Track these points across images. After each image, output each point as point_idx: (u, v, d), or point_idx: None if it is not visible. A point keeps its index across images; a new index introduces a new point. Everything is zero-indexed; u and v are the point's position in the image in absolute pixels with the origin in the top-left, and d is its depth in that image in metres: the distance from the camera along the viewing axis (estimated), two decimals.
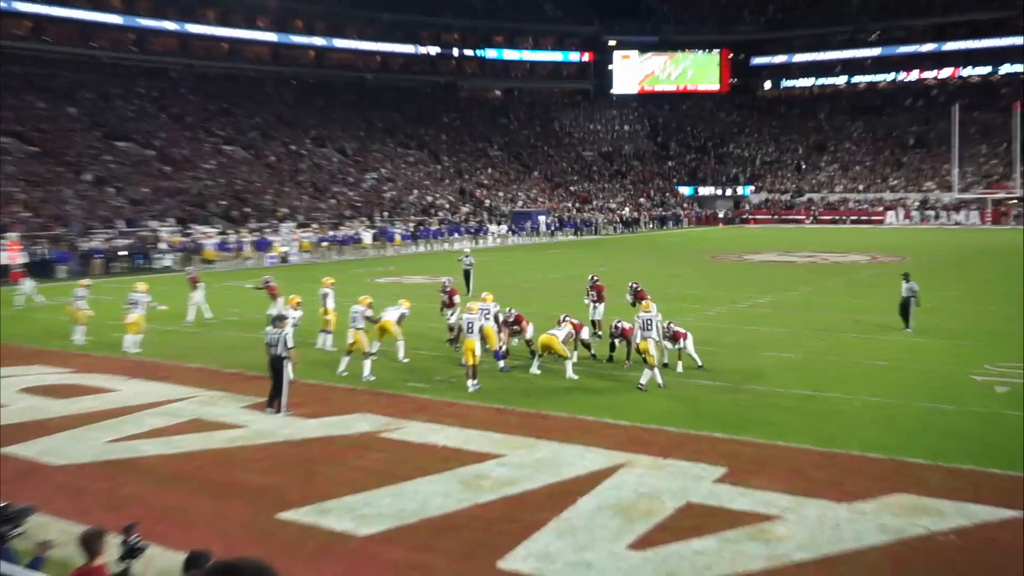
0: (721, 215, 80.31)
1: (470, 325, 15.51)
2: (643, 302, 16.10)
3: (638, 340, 17.33)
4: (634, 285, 19.71)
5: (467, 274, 29.81)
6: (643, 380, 15.21)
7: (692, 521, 9.46)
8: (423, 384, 16.12)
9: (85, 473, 11.28)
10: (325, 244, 46.49)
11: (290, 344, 14.13)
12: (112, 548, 6.31)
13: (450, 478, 10.88)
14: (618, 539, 9.05)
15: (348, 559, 8.76)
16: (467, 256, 30.53)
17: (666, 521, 9.50)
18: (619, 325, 17.33)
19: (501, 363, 16.94)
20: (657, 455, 11.65)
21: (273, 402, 14.05)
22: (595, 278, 21.07)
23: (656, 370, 15.34)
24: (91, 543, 6.26)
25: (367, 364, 16.49)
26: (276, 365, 14.15)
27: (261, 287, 22.11)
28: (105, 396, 15.49)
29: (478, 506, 9.98)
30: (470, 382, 15.39)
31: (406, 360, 17.92)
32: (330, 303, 19.62)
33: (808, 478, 10.72)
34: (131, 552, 6.13)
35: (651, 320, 15.57)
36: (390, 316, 18.03)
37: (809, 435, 12.51)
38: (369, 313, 16.88)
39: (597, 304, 20.55)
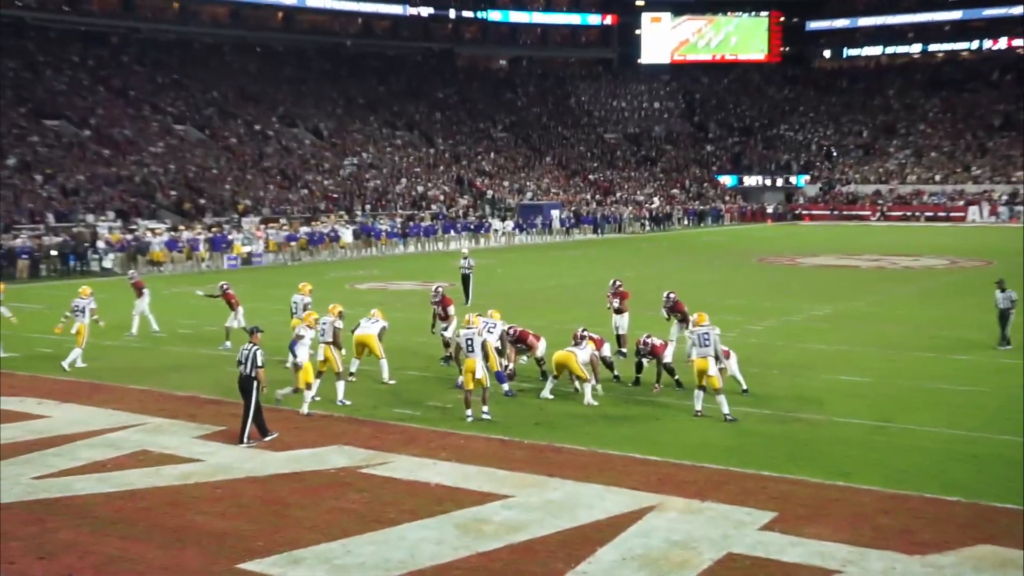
0: (770, 210, 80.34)
1: (469, 342, 15.50)
2: (697, 315, 16.17)
3: (669, 359, 17.38)
4: (671, 296, 19.63)
5: (466, 280, 29.82)
6: (724, 408, 15.22)
7: None
8: (412, 411, 16.15)
9: (8, 516, 11.32)
10: (295, 243, 46.63)
11: (260, 362, 14.24)
12: None
13: (445, 522, 10.90)
14: None
15: None
16: (466, 258, 30.53)
17: (703, 575, 9.48)
18: (648, 341, 17.36)
19: (505, 386, 16.99)
20: (693, 496, 11.67)
21: (243, 433, 14.18)
22: (618, 283, 21.13)
23: (723, 397, 15.35)
24: None
25: (341, 386, 16.56)
26: (246, 387, 14.26)
27: (217, 295, 22.21)
28: (31, 424, 15.55)
29: (478, 556, 9.99)
30: (469, 411, 15.42)
31: (392, 382, 17.98)
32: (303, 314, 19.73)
33: (874, 525, 10.72)
34: None
35: (708, 335, 15.55)
36: (370, 330, 18.09)
37: (875, 474, 12.51)
38: (340, 324, 16.94)
39: (620, 315, 20.57)
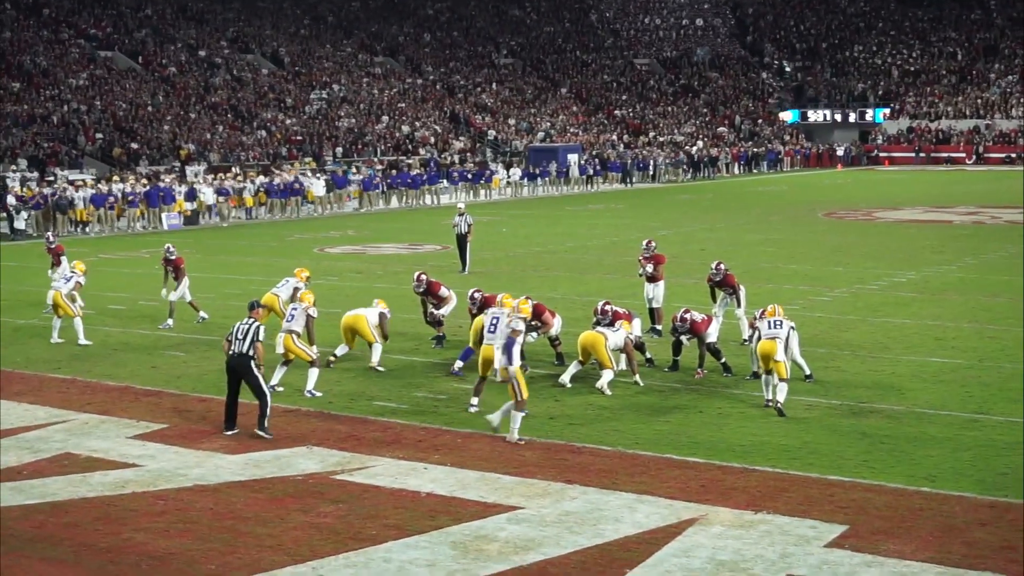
0: (841, 152, 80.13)
1: (494, 323, 15.55)
2: (769, 308, 16.25)
3: (714, 338, 17.43)
4: (721, 267, 19.51)
5: (461, 242, 29.76)
6: (780, 396, 15.35)
7: None
8: (396, 403, 16.20)
9: None
10: (250, 196, 46.57)
11: (261, 336, 14.77)
12: None
13: (438, 540, 10.94)
14: None
15: None
16: (462, 215, 30.45)
17: None
18: (687, 317, 17.40)
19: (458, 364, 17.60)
20: (744, 507, 11.69)
21: (262, 422, 14.50)
22: (652, 244, 21.22)
23: (785, 386, 15.45)
24: None
25: (313, 374, 16.62)
26: (240, 366, 14.56)
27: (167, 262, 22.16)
28: None
29: None
30: (476, 399, 15.58)
31: (380, 368, 18.10)
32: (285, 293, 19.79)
33: (968, 540, 10.75)
34: None
35: (780, 322, 15.84)
36: (360, 311, 18.43)
37: (969, 478, 12.52)
38: (314, 313, 17.02)
39: (654, 284, 20.58)
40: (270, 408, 14.70)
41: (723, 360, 17.42)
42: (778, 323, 15.88)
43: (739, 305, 19.41)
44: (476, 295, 18.44)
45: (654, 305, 20.67)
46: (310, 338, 16.85)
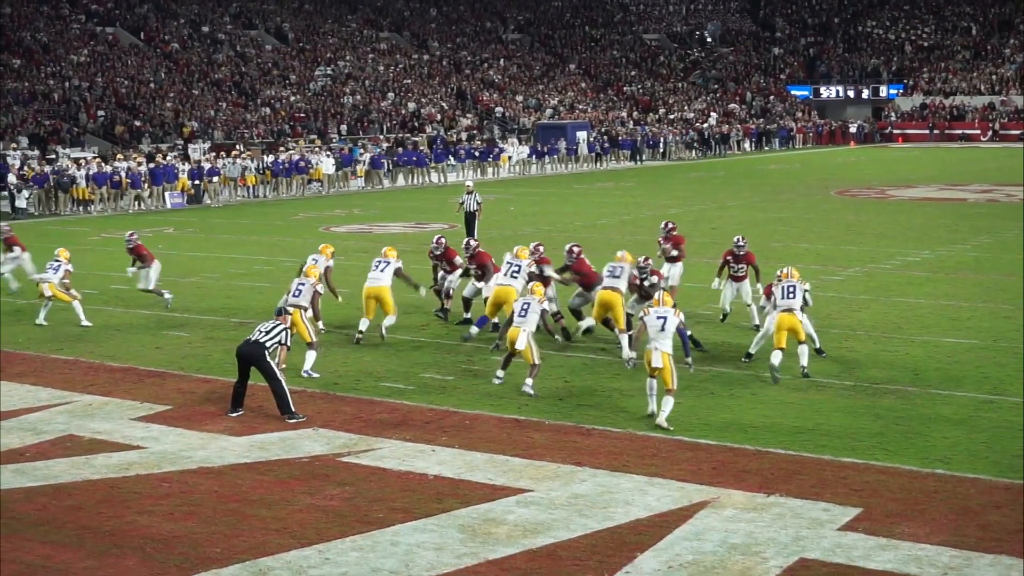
0: (853, 129, 79.86)
1: (524, 309, 15.97)
2: (785, 270, 16.53)
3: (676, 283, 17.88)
4: (742, 242, 19.38)
5: (469, 220, 29.83)
6: (804, 360, 16.02)
7: None
8: (404, 384, 16.22)
9: None
10: (252, 175, 46.45)
11: (288, 342, 14.95)
12: None
13: (447, 523, 10.96)
14: None
15: None
16: (470, 193, 30.47)
17: None
18: (650, 262, 17.99)
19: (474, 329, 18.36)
20: (756, 490, 11.71)
21: (287, 408, 14.51)
22: (671, 226, 21.20)
23: (806, 348, 16.07)
24: None
25: (311, 355, 16.65)
26: (252, 354, 14.59)
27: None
28: None
29: (488, 565, 10.07)
30: (501, 372, 15.91)
31: (385, 337, 18.54)
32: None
33: (983, 523, 10.75)
34: None
35: (794, 288, 16.19)
36: (382, 281, 18.59)
37: (985, 460, 12.52)
38: (321, 289, 17.25)
39: (673, 264, 20.58)
40: (288, 391, 14.64)
41: (750, 352, 17.45)
42: (792, 290, 16.07)
43: (754, 285, 19.32)
44: (472, 243, 19.89)
45: (672, 283, 20.64)
46: (315, 314, 16.94)
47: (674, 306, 14.77)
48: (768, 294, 16.74)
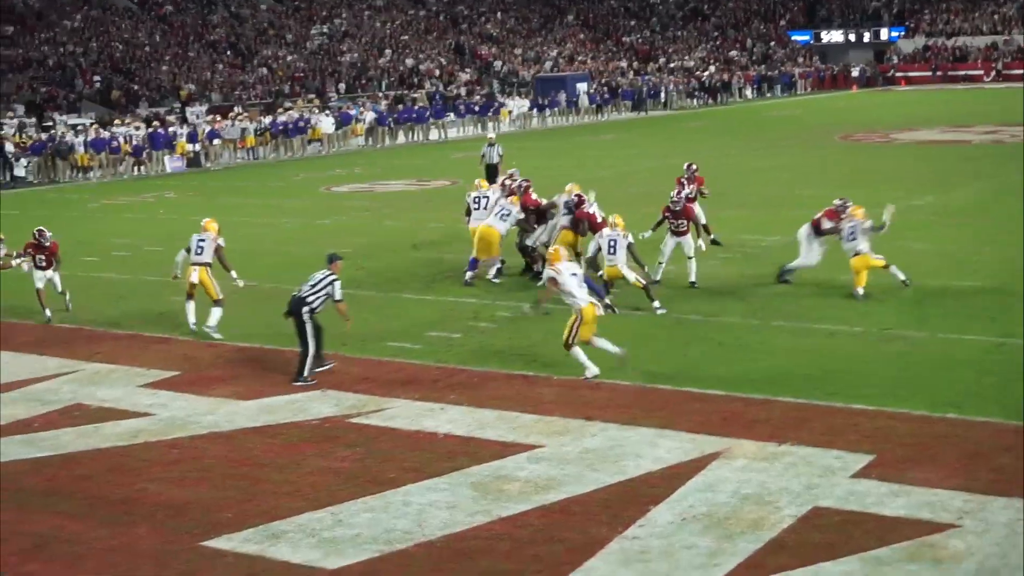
0: (856, 73, 79.50)
1: (613, 244, 17.00)
2: (845, 205, 18.38)
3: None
4: (677, 198, 19.24)
5: (491, 172, 29.97)
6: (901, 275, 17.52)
7: (822, 536, 9.52)
8: (411, 343, 16.21)
9: None
10: (252, 137, 46.24)
11: (338, 295, 14.72)
12: None
13: (458, 482, 10.99)
14: (712, 566, 9.12)
15: None
16: (492, 145, 30.99)
17: (783, 536, 9.56)
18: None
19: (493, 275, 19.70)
20: (767, 439, 11.71)
21: (302, 370, 14.51)
22: (694, 167, 21.71)
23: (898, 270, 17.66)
24: None
25: (216, 312, 16.91)
26: (295, 312, 14.62)
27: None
28: None
29: (501, 522, 10.09)
30: (657, 303, 17.06)
31: (497, 280, 19.66)
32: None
33: (994, 467, 10.76)
34: None
35: (855, 228, 17.84)
36: (497, 226, 19.50)
37: (994, 403, 12.49)
38: (222, 242, 17.17)
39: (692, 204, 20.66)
40: (311, 358, 14.56)
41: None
42: (853, 232, 17.73)
43: (696, 240, 19.42)
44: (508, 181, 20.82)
45: (702, 221, 20.58)
46: (225, 266, 17.10)
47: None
48: (838, 218, 18.27)
